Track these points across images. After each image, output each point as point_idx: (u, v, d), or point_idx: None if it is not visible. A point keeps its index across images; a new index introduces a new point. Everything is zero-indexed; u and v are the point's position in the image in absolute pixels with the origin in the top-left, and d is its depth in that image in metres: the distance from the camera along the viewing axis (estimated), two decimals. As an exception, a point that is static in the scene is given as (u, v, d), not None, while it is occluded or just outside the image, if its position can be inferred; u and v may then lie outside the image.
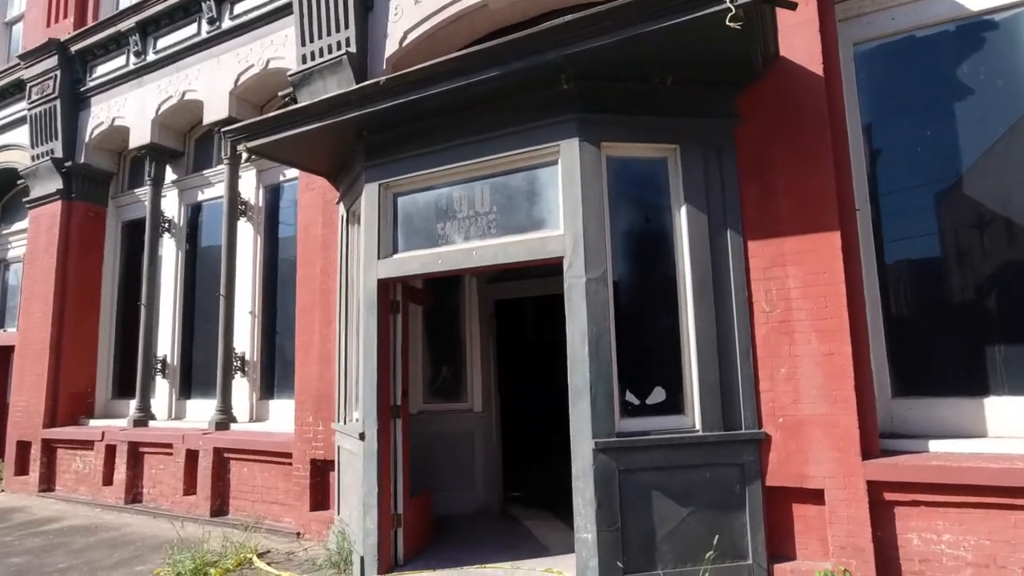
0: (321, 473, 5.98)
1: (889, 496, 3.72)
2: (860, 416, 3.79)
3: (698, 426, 4.06)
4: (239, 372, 7.39)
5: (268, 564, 5.12)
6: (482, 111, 4.44)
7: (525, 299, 7.10)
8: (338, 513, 5.55)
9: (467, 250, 4.54)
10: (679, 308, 4.24)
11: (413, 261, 4.78)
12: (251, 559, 5.21)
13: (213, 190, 8.24)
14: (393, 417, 4.92)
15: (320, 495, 5.97)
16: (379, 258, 4.93)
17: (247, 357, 7.41)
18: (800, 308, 4.02)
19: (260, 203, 7.72)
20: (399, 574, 4.65)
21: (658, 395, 4.16)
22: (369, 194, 5.03)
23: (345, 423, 5.51)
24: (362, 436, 4.81)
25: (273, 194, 7.75)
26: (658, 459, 3.93)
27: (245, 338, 7.45)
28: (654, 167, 4.39)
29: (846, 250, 3.94)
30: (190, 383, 8.14)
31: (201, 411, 7.75)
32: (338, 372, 5.73)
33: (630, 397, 4.10)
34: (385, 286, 4.98)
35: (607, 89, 4.19)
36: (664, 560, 3.86)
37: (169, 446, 7.12)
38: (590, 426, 3.90)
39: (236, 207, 7.61)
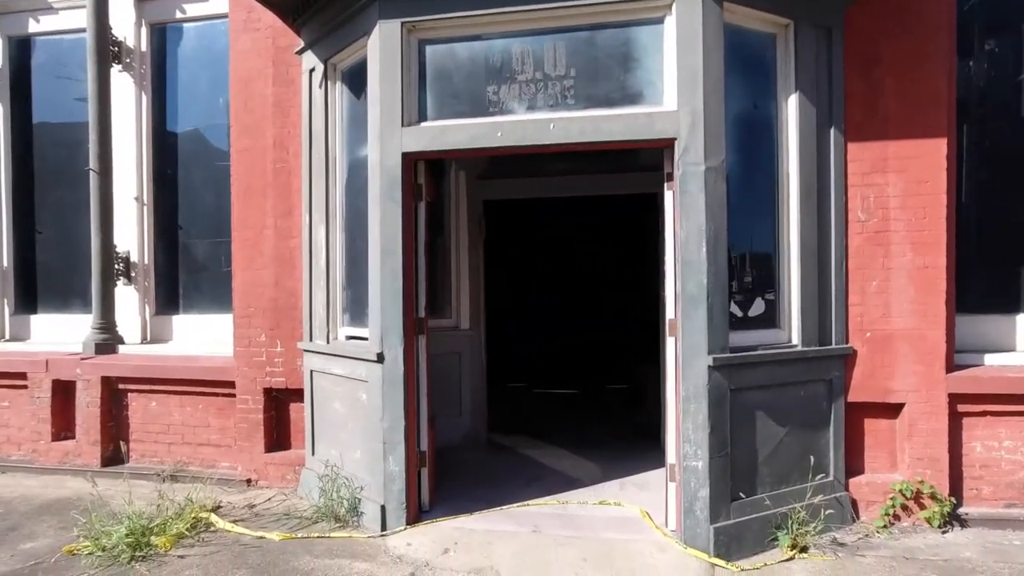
0: (279, 406, 4.71)
1: (961, 408, 3.80)
2: (947, 331, 3.76)
3: (795, 340, 3.74)
4: (123, 278, 5.50)
5: (233, 523, 3.90)
6: (577, -65, 3.38)
7: (519, 201, 6.19)
8: (312, 454, 4.42)
9: (541, 122, 3.55)
10: (780, 211, 3.79)
11: (457, 132, 3.66)
12: (206, 518, 3.92)
13: (57, 19, 5.80)
14: (417, 333, 3.88)
15: (277, 433, 4.72)
16: (404, 125, 3.70)
17: (134, 259, 5.53)
18: (898, 218, 3.80)
19: (143, 46, 5.59)
20: (432, 523, 3.80)
21: (758, 307, 3.74)
22: (386, 36, 3.70)
23: (328, 341, 4.30)
24: (380, 357, 3.73)
25: (164, 36, 5.65)
26: (762, 377, 3.54)
27: (130, 233, 5.53)
28: (764, 45, 3.76)
29: (949, 159, 3.77)
30: (34, 293, 5.94)
31: (55, 330, 5.72)
32: (308, 277, 4.42)
33: (733, 309, 3.61)
34: (410, 164, 3.79)
35: (738, -67, 3.39)
36: (764, 483, 3.56)
37: (20, 376, 5.13)
38: (706, 340, 3.35)
39: (106, 48, 5.40)
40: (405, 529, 3.71)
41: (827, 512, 3.51)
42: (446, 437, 5.27)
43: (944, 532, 3.66)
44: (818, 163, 3.76)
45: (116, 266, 5.44)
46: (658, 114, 3.44)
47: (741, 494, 3.46)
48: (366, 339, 4.01)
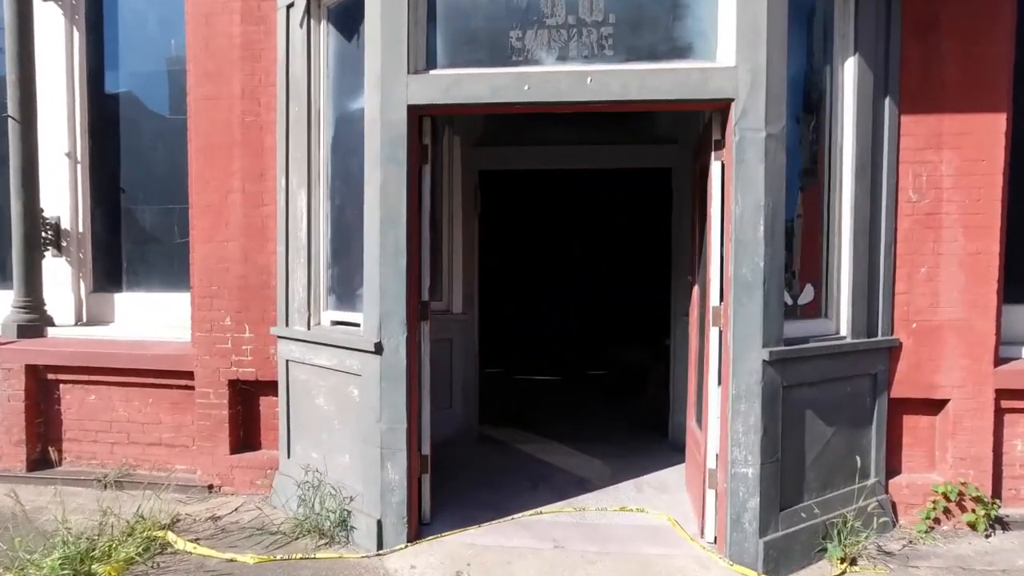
0: (247, 400, 4.07)
1: (1005, 404, 3.57)
2: (996, 322, 3.51)
3: (844, 332, 3.40)
4: (52, 248, 4.66)
5: (195, 541, 3.28)
6: None
7: (517, 173, 5.63)
8: (288, 456, 3.82)
9: (576, 75, 3.02)
10: (832, 187, 3.42)
11: (476, 83, 3.08)
12: (162, 537, 3.28)
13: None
14: (420, 319, 3.33)
15: (245, 431, 4.09)
16: (410, 72, 3.10)
17: (65, 226, 4.69)
18: (951, 200, 3.50)
19: (76, -26, 4.69)
20: (437, 538, 3.30)
21: (807, 294, 3.37)
22: (388, -37, 3.07)
23: (310, 327, 3.68)
24: (378, 348, 3.16)
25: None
26: (812, 372, 3.19)
27: (60, 196, 4.68)
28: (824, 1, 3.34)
29: (1007, 136, 3.48)
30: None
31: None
32: (285, 252, 3.77)
33: (784, 296, 3.23)
34: (416, 120, 3.20)
35: None
36: (811, 489, 3.23)
37: (-79, 364, 4.26)
38: (760, 332, 2.95)
39: (28, -28, 4.49)
40: (406, 547, 3.19)
41: (879, 520, 3.22)
42: (437, 431, 4.70)
43: (988, 536, 3.44)
44: (872, 135, 3.40)
45: (44, 234, 4.60)
46: (714, 71, 2.97)
47: (790, 503, 3.11)
48: (358, 325, 3.43)
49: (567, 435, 5.21)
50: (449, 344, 4.89)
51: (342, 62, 3.63)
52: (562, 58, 3.12)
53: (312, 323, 3.70)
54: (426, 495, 3.42)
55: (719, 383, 3.13)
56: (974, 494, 3.46)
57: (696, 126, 4.61)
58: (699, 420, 3.61)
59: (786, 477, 3.10)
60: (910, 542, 3.36)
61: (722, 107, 3.02)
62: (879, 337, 3.46)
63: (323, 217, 3.70)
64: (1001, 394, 3.54)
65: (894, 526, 3.51)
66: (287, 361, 3.80)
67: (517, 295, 8.78)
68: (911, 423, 3.66)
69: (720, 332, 3.15)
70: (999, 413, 3.58)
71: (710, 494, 3.19)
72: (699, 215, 3.80)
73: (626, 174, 5.58)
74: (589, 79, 3.02)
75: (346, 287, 3.63)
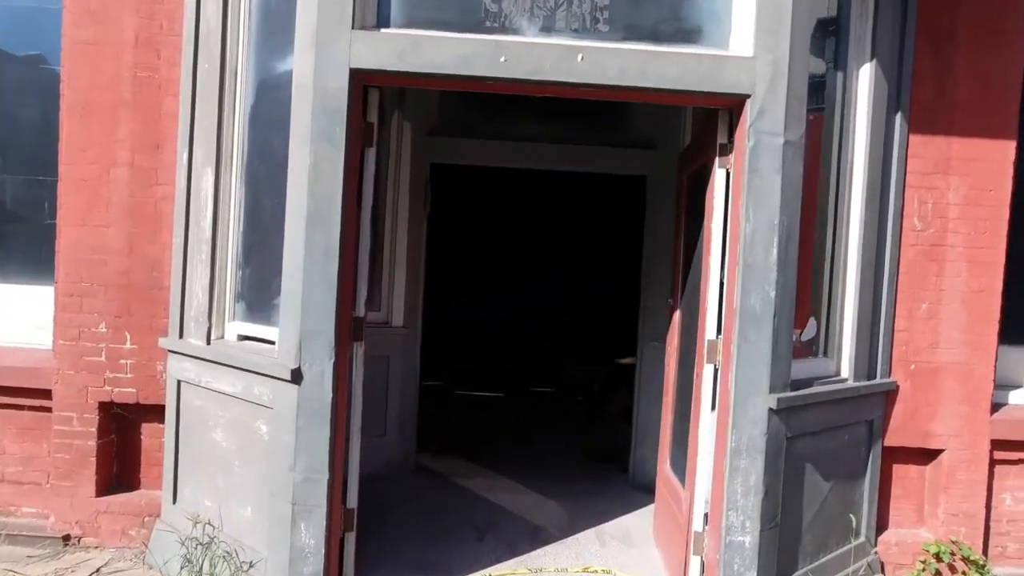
0: (124, 429, 3.24)
1: (998, 455, 3.30)
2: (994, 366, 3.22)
3: (845, 372, 3.01)
4: None
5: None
6: None
7: (473, 170, 5.00)
8: (174, 502, 3.03)
9: (565, 51, 2.46)
10: (839, 209, 3.02)
11: (439, 48, 2.45)
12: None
13: None
14: (353, 339, 2.66)
15: (121, 466, 3.25)
16: (355, 27, 2.43)
17: None
18: (956, 231, 3.19)
19: None
20: (360, 616, 2.62)
21: (811, 329, 2.95)
22: None
23: (210, 341, 2.91)
24: (296, 376, 2.46)
25: None
26: (814, 421, 2.76)
27: None
28: (842, -4, 2.94)
29: (1016, 164, 3.21)
30: None
31: None
32: (184, 244, 2.99)
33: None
34: (360, 90, 2.53)
35: None
36: (806, 553, 2.80)
37: None
38: (768, 374, 2.48)
39: None
40: (320, 631, 2.50)
41: (877, 590, 2.83)
42: (367, 463, 3.97)
43: (979, 602, 3.14)
44: (883, 154, 3.03)
45: None
46: (728, 60, 2.48)
47: (786, 572, 2.66)
48: (272, 343, 2.72)
49: (516, 467, 4.63)
50: (386, 362, 4.19)
51: (269, 12, 2.90)
52: (546, 29, 2.55)
53: (213, 336, 2.93)
54: (349, 559, 2.73)
55: (713, 432, 2.64)
56: (966, 554, 3.16)
57: (677, 130, 4.18)
58: (677, 469, 3.12)
59: (783, 542, 2.65)
60: (902, 611, 3.00)
61: (734, 104, 2.54)
62: (878, 380, 3.09)
63: (234, 204, 2.95)
64: (995, 445, 3.26)
65: (883, 590, 3.16)
66: (179, 382, 3.01)
67: (467, 302, 8.14)
68: (900, 473, 3.33)
69: (716, 371, 2.66)
70: (991, 465, 3.30)
71: (695, 561, 2.70)
72: (686, 231, 3.33)
73: (596, 179, 5.09)
74: (580, 56, 2.45)
75: (260, 294, 2.90)
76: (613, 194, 7.24)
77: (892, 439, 3.21)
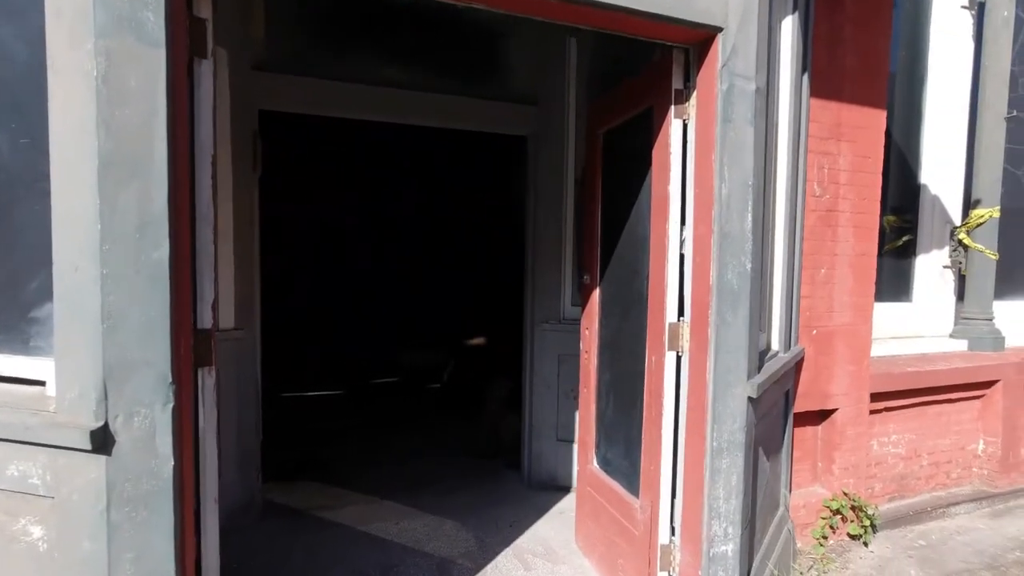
0: None
1: (872, 406, 3.54)
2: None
3: (776, 346, 2.87)
4: None
5: None
6: None
7: (314, 120, 3.88)
8: None
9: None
10: (767, 173, 2.82)
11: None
12: None
13: None
14: (197, 364, 1.67)
15: None
16: None
17: None
18: (846, 197, 3.27)
19: None
20: None
21: (751, 303, 2.71)
22: None
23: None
24: (101, 439, 1.43)
25: None
26: (766, 402, 2.54)
27: None
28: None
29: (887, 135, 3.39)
30: None
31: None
32: None
33: (742, 306, 2.50)
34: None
35: None
36: (759, 542, 2.60)
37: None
38: (745, 360, 2.15)
39: None
40: None
41: (793, 551, 2.77)
42: (196, 524, 2.92)
43: (866, 544, 3.34)
44: (795, 116, 2.92)
45: None
46: (700, -20, 2.02)
47: (749, 570, 2.43)
48: (39, 384, 1.60)
49: (391, 484, 3.87)
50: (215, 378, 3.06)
51: None
52: (478, -91, 1.81)
53: (-93, 381, 1.66)
54: None
55: (681, 430, 2.26)
56: (857, 503, 3.33)
57: (561, 84, 3.71)
58: (615, 470, 2.72)
59: (752, 539, 2.41)
60: (823, 573, 3.03)
61: (699, 40, 2.11)
62: (792, 347, 3.03)
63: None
64: (873, 398, 3.49)
65: (798, 553, 3.18)
66: None
67: (305, 284, 6.85)
68: (799, 436, 3.39)
69: (678, 358, 2.27)
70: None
71: (661, 580, 2.32)
72: (603, 197, 2.88)
73: (468, 138, 4.39)
74: (533, -51, 1.78)
75: (3, 299, 1.70)
76: (485, 158, 6.62)
77: (800, 405, 3.22)
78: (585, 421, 3.02)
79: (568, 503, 3.60)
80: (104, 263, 1.41)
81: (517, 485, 3.93)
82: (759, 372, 2.30)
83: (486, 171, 6.99)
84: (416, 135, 5.22)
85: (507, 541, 3.15)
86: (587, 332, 3.02)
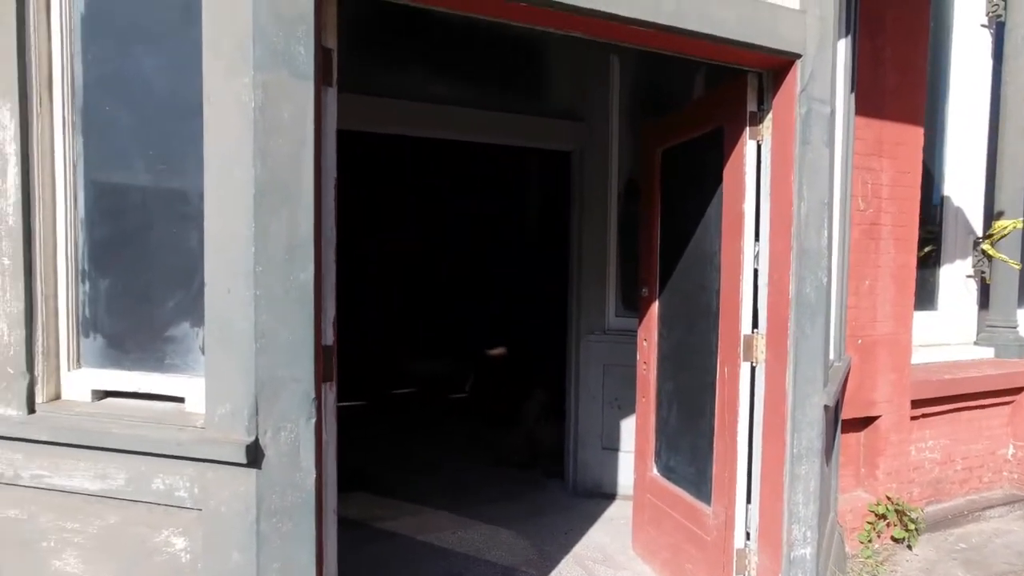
0: None
1: (912, 413, 3.65)
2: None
3: (832, 355, 2.96)
4: None
5: None
6: None
7: (351, 136, 3.94)
8: None
9: (619, -30, 1.85)
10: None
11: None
12: None
13: None
14: (323, 380, 1.74)
15: None
16: None
17: None
18: (887, 211, 3.39)
19: None
20: None
21: (812, 314, 2.81)
22: None
23: (32, 407, 1.69)
24: (253, 453, 1.49)
25: None
26: (831, 409, 2.65)
27: None
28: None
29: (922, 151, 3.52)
30: None
31: None
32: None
33: (807, 318, 2.60)
34: (326, -12, 1.61)
35: None
36: (822, 546, 2.69)
37: None
38: (822, 369, 2.25)
39: None
40: None
41: (844, 555, 2.86)
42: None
43: (911, 548, 3.44)
44: (845, 134, 3.03)
45: None
46: (782, 10, 2.13)
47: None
48: (174, 400, 1.66)
49: (435, 493, 3.92)
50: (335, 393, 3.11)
51: None
52: (578, -57, 1.90)
53: (41, 395, 1.71)
54: None
55: (756, 438, 2.34)
56: (902, 508, 3.43)
57: (605, 101, 3.82)
58: (680, 477, 2.80)
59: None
60: (872, 576, 3.13)
61: (779, 65, 2.21)
62: (844, 357, 3.14)
63: (66, 169, 1.74)
64: (912, 405, 3.60)
65: (848, 557, 3.27)
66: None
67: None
68: (844, 442, 3.49)
69: (752, 369, 2.36)
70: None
71: (738, 584, 2.40)
72: (663, 212, 2.98)
73: (504, 150, 4.47)
74: (635, -17, 1.87)
75: (135, 320, 1.76)
76: (508, 167, 6.67)
77: (846, 412, 3.32)
78: (643, 430, 3.10)
79: (617, 510, 3.67)
80: (257, 285, 1.48)
81: (560, 493, 4.00)
82: (827, 381, 2.39)
83: (521, 184, 7.09)
84: (456, 147, 5.29)
85: (565, 548, 3.22)
86: (645, 344, 3.11)
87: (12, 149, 1.64)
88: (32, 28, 1.65)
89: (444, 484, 4.12)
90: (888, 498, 3.44)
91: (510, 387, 5.48)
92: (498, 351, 6.86)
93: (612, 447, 3.89)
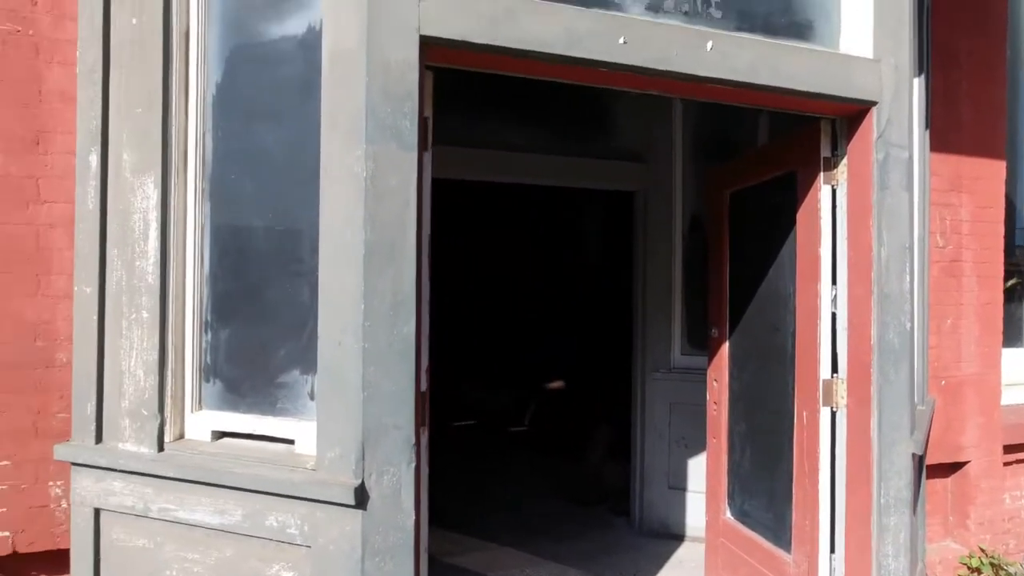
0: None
1: (1005, 459, 3.46)
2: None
3: (916, 399, 2.87)
4: None
5: None
6: None
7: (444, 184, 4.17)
8: None
9: (692, 36, 1.95)
10: (898, 229, 2.89)
11: (543, 20, 1.80)
12: None
13: None
14: (420, 426, 1.85)
15: (-18, 661, 2.00)
16: (425, -23, 1.68)
17: None
18: (968, 247, 3.30)
19: None
20: None
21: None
22: None
23: (162, 445, 1.87)
24: (360, 495, 1.61)
25: None
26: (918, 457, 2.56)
27: None
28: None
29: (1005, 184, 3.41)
30: None
31: None
32: (99, 297, 1.91)
33: (888, 362, 2.55)
34: (423, 68, 1.77)
35: None
36: (913, 602, 2.57)
37: None
38: (908, 416, 2.21)
39: None
40: None
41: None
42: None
43: (1008, 606, 3.23)
44: (921, 171, 2.99)
45: None
46: (856, 61, 2.17)
47: (911, 631, 2.41)
48: (284, 442, 1.81)
49: (503, 529, 3.95)
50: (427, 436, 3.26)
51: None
52: (652, 8, 2.02)
53: (169, 435, 1.90)
54: None
55: (839, 485, 2.30)
56: (997, 562, 3.24)
57: (667, 142, 3.89)
58: (756, 523, 2.75)
59: (908, 600, 2.40)
60: (966, 634, 2.95)
61: (854, 112, 2.24)
62: (927, 400, 3.03)
63: (195, 233, 1.95)
64: (1005, 450, 3.42)
65: (939, 614, 3.10)
66: (97, 512, 1.91)
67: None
68: (930, 489, 3.34)
69: (833, 414, 2.33)
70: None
71: (824, 638, 2.33)
72: (731, 254, 3.00)
73: (569, 192, 4.61)
74: (710, 45, 1.96)
75: (250, 367, 1.93)
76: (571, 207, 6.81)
77: (932, 457, 3.18)
78: (715, 471, 3.07)
79: (686, 552, 3.61)
80: (365, 338, 1.61)
81: (626, 532, 3.96)
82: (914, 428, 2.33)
83: (584, 223, 7.21)
84: (524, 190, 5.43)
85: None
86: (715, 384, 3.10)
87: (154, 216, 1.86)
88: (174, 109, 1.88)
89: (510, 519, 4.16)
90: (982, 550, 3.26)
91: (572, 421, 5.49)
92: (556, 384, 6.90)
93: (679, 487, 3.84)
